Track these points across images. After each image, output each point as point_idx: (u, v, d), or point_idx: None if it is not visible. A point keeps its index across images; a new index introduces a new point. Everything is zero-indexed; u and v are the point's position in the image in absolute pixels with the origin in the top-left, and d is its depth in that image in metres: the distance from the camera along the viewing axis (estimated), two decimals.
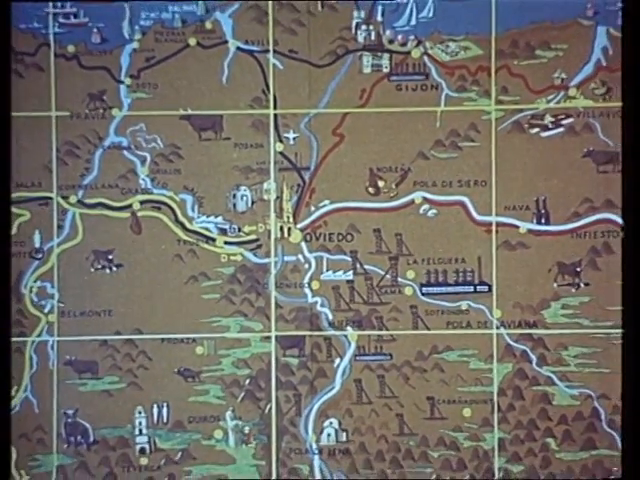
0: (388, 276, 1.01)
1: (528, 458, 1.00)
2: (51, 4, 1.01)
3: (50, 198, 1.03)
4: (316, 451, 1.02)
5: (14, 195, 1.02)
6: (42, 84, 1.03)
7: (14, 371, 1.02)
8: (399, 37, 1.02)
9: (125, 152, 1.03)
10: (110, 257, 1.02)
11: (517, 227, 1.01)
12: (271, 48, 1.02)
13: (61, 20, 1.02)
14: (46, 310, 1.02)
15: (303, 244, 1.02)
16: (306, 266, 1.03)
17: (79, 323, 1.03)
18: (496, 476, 1.00)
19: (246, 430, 1.02)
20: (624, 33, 0.98)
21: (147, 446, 1.02)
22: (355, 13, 1.02)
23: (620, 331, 1.00)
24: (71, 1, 1.07)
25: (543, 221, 1.01)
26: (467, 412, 1.00)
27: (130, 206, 1.03)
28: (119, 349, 1.03)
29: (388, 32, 1.02)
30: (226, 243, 1.04)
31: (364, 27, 1.01)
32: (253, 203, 1.03)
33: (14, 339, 1.01)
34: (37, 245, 1.02)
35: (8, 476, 1.06)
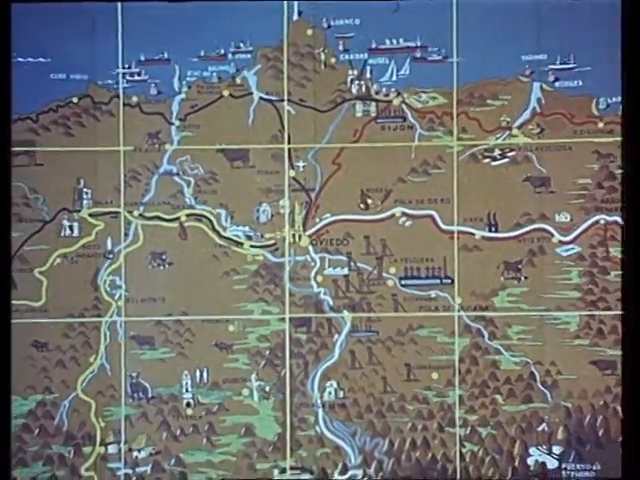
0: (375, 272, 1.21)
1: (481, 410, 1.20)
2: (121, 67, 1.20)
3: (119, 212, 1.22)
4: (320, 405, 1.20)
5: (92, 210, 1.21)
6: (113, 126, 1.22)
7: (94, 344, 1.20)
8: (383, 89, 1.22)
9: (175, 177, 1.22)
10: (163, 257, 1.21)
11: (473, 234, 1.21)
12: (286, 98, 1.22)
13: (128, 77, 1.21)
14: (116, 297, 1.21)
15: (310, 247, 1.21)
16: (312, 264, 1.21)
17: (140, 307, 1.21)
18: (457, 423, 1.19)
19: (267, 389, 1.21)
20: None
21: (191, 401, 1.20)
22: (350, 71, 1.22)
23: (553, 314, 1.19)
24: (70, 1, 1.20)
25: (493, 230, 1.20)
26: (435, 375, 1.20)
27: (179, 218, 1.21)
28: (170, 327, 1.21)
29: (375, 86, 1.22)
30: (251, 246, 1.22)
31: (356, 82, 1.21)
32: (272, 216, 1.22)
33: (92, 319, 1.20)
34: (109, 248, 1.21)
35: (8, 476, 1.17)
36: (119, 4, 1.20)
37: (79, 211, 1.22)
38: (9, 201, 1.19)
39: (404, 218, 1.20)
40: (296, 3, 1.20)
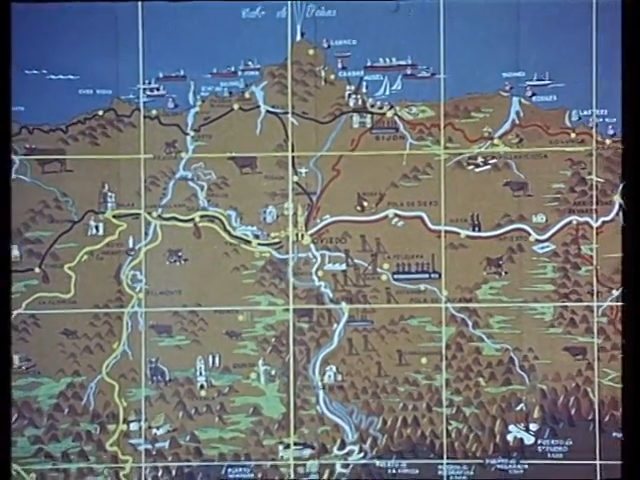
0: (370, 267, 1.27)
1: (465, 391, 1.26)
2: (141, 83, 1.26)
3: (139, 214, 1.28)
4: (320, 387, 1.26)
5: (116, 212, 1.27)
6: (135, 136, 1.27)
7: (117, 332, 1.26)
8: (378, 103, 1.27)
9: (190, 182, 1.28)
10: (180, 254, 1.27)
11: (458, 234, 1.26)
12: (290, 111, 1.27)
13: (148, 92, 1.27)
14: (137, 290, 1.27)
15: (312, 245, 1.27)
16: (314, 260, 1.27)
17: (159, 299, 1.27)
18: (444, 404, 1.26)
19: (272, 373, 1.27)
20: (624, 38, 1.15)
21: (205, 383, 1.26)
22: (347, 87, 1.27)
23: (530, 305, 1.25)
24: (70, 1, 1.24)
25: (476, 229, 1.26)
26: (424, 360, 1.26)
27: (193, 219, 1.27)
28: (185, 317, 1.27)
29: (370, 100, 1.27)
30: (258, 244, 1.27)
31: (353, 96, 1.27)
32: (277, 217, 1.27)
33: (116, 310, 1.27)
34: (131, 246, 1.27)
35: (8, 476, 1.20)
36: (140, 27, 1.26)
37: (104, 213, 1.27)
38: (9, 197, 1.22)
39: (396, 219, 1.27)
40: (299, 25, 1.26)
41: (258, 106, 1.28)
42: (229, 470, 1.27)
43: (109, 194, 1.28)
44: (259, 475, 1.26)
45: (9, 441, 1.21)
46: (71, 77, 1.27)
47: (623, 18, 1.19)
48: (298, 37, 1.27)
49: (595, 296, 1.26)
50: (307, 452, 1.27)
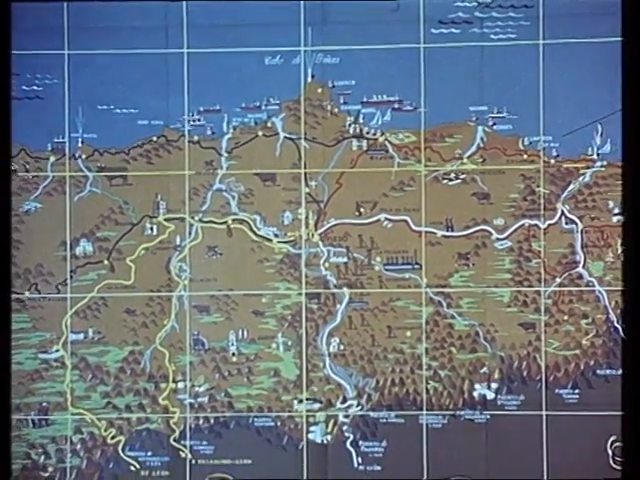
0: (366, 260, 1.39)
1: (441, 358, 1.37)
2: (186, 115, 1.37)
3: (184, 218, 1.40)
4: (327, 354, 1.38)
5: (166, 216, 1.37)
6: (181, 157, 1.39)
7: (167, 311, 1.35)
8: (372, 131, 1.39)
9: (224, 193, 1.40)
10: (216, 249, 1.39)
11: (435, 233, 1.38)
12: (303, 137, 1.39)
13: (191, 123, 1.39)
14: (182, 278, 1.39)
15: (320, 242, 1.39)
16: (321, 254, 1.39)
17: (199, 285, 1.39)
18: (424, 367, 1.35)
19: (289, 343, 1.39)
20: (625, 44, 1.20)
21: (236, 351, 1.38)
22: (348, 118, 1.39)
23: (492, 289, 1.35)
24: (67, 1, 1.34)
25: (449, 230, 1.38)
26: (409, 333, 1.38)
27: (226, 222, 1.39)
28: (220, 299, 1.38)
29: (365, 128, 1.39)
30: (278, 242, 1.39)
31: (353, 125, 1.39)
32: (293, 220, 1.39)
33: (166, 294, 1.36)
34: (177, 243, 1.40)
35: (8, 476, 1.23)
36: (185, 71, 1.38)
37: (157, 217, 1.40)
38: (9, 198, 1.33)
39: (386, 222, 1.39)
40: (310, 70, 1.38)
41: (277, 133, 1.39)
42: (255, 419, 1.39)
43: (161, 202, 1.40)
44: (278, 423, 1.39)
45: (9, 440, 1.29)
46: (132, 111, 1.39)
47: (623, 53, 1.25)
48: (309, 79, 1.38)
49: (542, 283, 1.38)
50: (316, 406, 1.38)
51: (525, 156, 1.39)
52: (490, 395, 1.39)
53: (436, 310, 1.40)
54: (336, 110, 1.40)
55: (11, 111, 1.30)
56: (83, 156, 1.43)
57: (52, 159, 1.43)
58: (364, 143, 1.40)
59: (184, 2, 1.41)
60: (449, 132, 1.39)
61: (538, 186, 1.39)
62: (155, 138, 1.41)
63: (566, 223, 1.40)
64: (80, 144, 1.42)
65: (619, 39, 1.33)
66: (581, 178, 1.39)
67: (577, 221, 1.40)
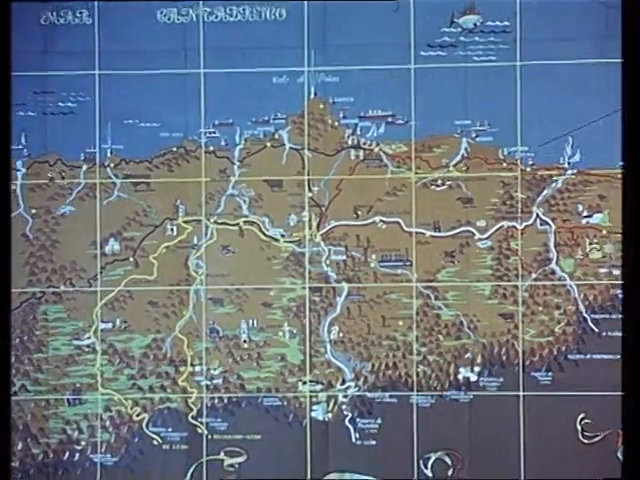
0: (362, 257, 1.48)
1: (429, 344, 1.46)
2: (203, 128, 1.47)
3: (201, 220, 1.49)
4: (328, 341, 1.47)
5: (185, 218, 1.46)
6: (198, 166, 1.49)
7: (186, 303, 1.44)
8: (368, 142, 1.48)
9: (237, 197, 1.48)
10: (229, 248, 1.48)
11: (424, 234, 1.47)
12: (306, 147, 1.48)
13: (207, 135, 1.48)
14: (199, 273, 1.48)
15: (322, 242, 1.49)
16: (323, 253, 1.49)
17: (215, 280, 1.48)
18: (414, 353, 1.43)
19: (294, 331, 1.48)
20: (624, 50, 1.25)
21: (247, 339, 1.47)
22: (347, 130, 1.48)
23: (474, 284, 1.47)
24: (65, 1, 1.44)
25: (437, 231, 1.47)
26: (401, 322, 1.47)
27: (239, 223, 1.48)
28: (233, 292, 1.47)
29: (362, 139, 1.48)
30: (284, 241, 1.48)
31: (351, 137, 1.48)
32: (297, 222, 1.48)
33: (185, 287, 1.44)
34: (195, 242, 1.49)
35: (8, 476, 1.26)
36: (202, 89, 1.47)
37: (177, 219, 1.49)
38: (9, 198, 1.41)
39: (381, 223, 1.49)
40: (313, 88, 1.48)
41: (284, 144, 1.49)
42: (264, 399, 1.49)
43: (180, 206, 1.50)
44: (284, 403, 1.49)
45: (9, 441, 1.34)
46: (155, 124, 1.49)
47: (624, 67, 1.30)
48: (312, 96, 1.48)
49: (520, 278, 1.48)
50: (318, 387, 1.47)
51: (504, 165, 1.48)
52: (473, 377, 1.48)
53: (425, 302, 1.49)
54: (336, 124, 1.50)
55: (11, 112, 1.40)
56: (111, 165, 1.53)
57: (84, 167, 1.52)
58: (361, 153, 1.50)
59: (201, 28, 1.54)
60: (437, 143, 1.49)
61: (516, 191, 1.49)
62: (175, 148, 1.51)
63: (541, 224, 1.50)
64: (109, 154, 1.53)
65: (589, 60, 1.48)
66: (554, 184, 1.49)
67: (550, 223, 1.49)
